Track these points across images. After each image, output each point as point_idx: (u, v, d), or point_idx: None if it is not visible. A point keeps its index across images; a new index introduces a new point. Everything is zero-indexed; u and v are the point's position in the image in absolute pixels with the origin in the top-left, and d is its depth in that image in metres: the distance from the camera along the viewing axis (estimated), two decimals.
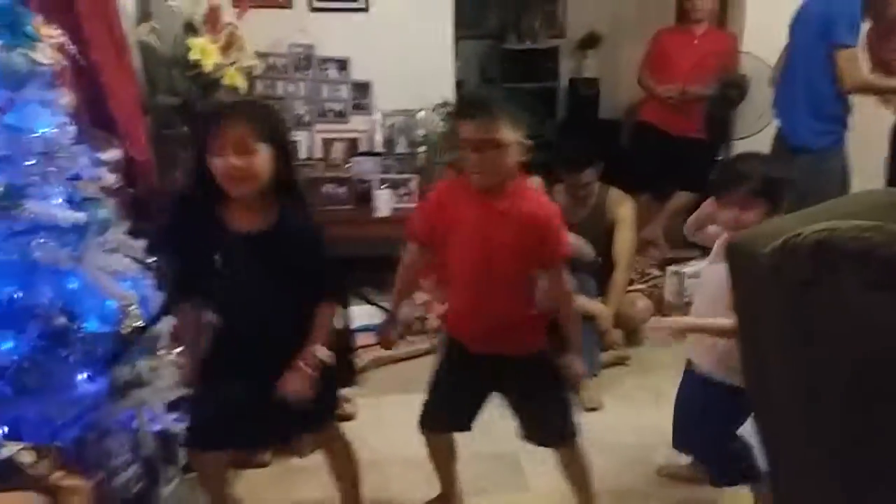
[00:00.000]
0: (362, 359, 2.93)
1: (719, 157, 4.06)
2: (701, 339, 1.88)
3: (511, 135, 1.62)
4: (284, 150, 1.61)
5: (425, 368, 2.92)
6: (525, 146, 1.65)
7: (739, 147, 3.87)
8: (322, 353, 1.64)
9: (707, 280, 1.92)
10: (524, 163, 1.68)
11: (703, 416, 1.92)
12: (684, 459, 2.15)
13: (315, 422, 1.80)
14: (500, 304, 1.73)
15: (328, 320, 1.68)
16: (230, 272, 1.60)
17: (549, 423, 1.84)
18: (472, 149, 1.62)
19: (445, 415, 1.92)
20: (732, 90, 3.64)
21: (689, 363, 1.96)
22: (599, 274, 2.87)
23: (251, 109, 1.64)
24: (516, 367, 1.79)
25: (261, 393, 1.61)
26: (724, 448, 1.91)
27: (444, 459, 2.01)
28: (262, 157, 1.55)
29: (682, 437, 2.02)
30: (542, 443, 1.88)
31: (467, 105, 1.68)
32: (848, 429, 0.94)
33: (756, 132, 3.44)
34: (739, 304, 1.16)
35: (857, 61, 2.89)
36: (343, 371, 1.81)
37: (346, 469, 1.90)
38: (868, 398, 0.91)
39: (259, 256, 1.59)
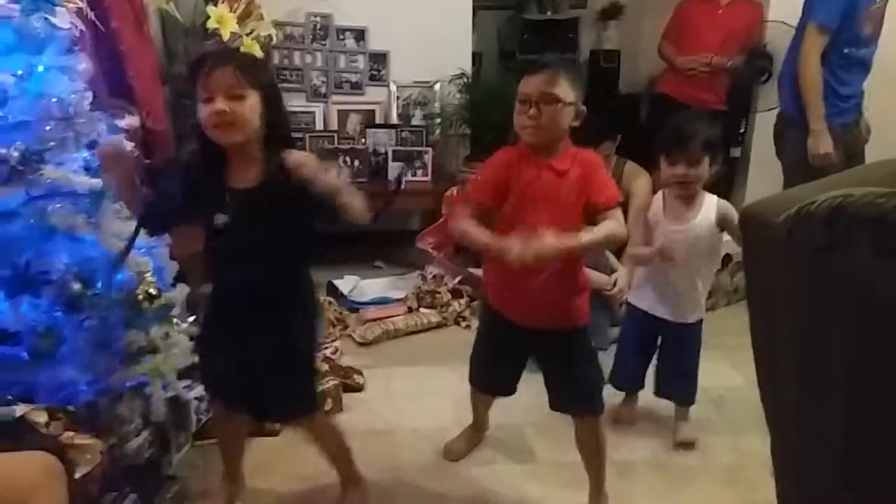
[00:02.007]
0: (373, 331, 2.95)
1: (741, 131, 4.00)
2: (659, 289, 2.17)
3: (569, 94, 1.66)
4: (272, 98, 1.57)
5: (434, 342, 2.98)
6: (580, 111, 1.70)
7: (759, 119, 3.81)
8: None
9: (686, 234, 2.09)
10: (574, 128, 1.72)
11: (675, 349, 2.23)
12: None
13: (292, 411, 1.77)
14: (559, 269, 1.73)
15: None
16: (230, 230, 1.57)
17: (581, 393, 1.87)
18: (530, 103, 1.65)
19: (491, 382, 2.05)
20: (761, 60, 3.56)
21: (635, 308, 2.25)
22: (614, 249, 2.84)
23: (237, 55, 1.62)
24: (558, 339, 1.82)
25: (248, 358, 1.64)
26: (695, 374, 2.23)
27: (482, 404, 2.17)
28: (251, 104, 1.51)
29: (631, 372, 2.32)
30: (570, 411, 1.90)
31: (531, 63, 1.72)
32: (855, 394, 0.93)
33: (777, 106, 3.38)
34: (751, 273, 1.14)
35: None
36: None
37: (332, 452, 1.89)
38: (876, 366, 0.89)
39: (254, 211, 1.56)
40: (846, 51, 2.92)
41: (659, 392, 2.32)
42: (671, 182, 2.08)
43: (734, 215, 2.05)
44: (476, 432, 2.23)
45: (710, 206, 2.09)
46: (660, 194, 2.18)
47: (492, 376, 2.02)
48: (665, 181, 2.11)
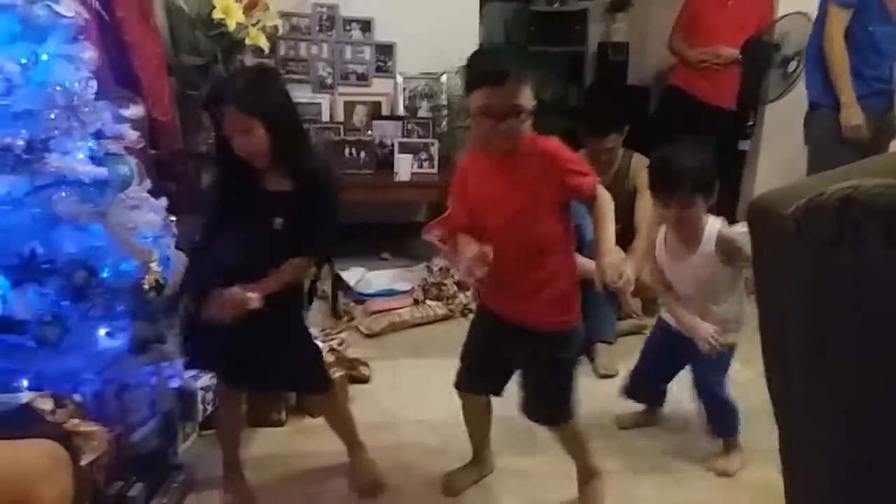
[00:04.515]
0: (379, 322, 2.95)
1: (750, 124, 3.98)
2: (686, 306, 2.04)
3: (531, 99, 1.55)
4: (276, 120, 1.63)
5: (440, 333, 2.97)
6: (535, 108, 1.57)
7: (769, 111, 3.78)
8: (255, 298, 1.61)
9: (686, 272, 2.01)
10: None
11: (701, 372, 2.09)
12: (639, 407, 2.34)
13: (295, 382, 1.96)
14: (538, 261, 1.66)
15: (296, 271, 1.73)
16: (253, 222, 1.68)
17: (546, 405, 1.81)
18: (492, 117, 1.53)
19: (476, 378, 1.89)
20: (770, 51, 3.52)
21: (664, 322, 2.15)
22: (620, 241, 2.82)
23: (236, 90, 1.62)
24: (535, 342, 1.72)
25: (247, 334, 1.67)
26: (723, 397, 2.07)
27: (477, 423, 1.99)
28: (258, 134, 1.61)
29: (646, 384, 2.27)
30: (535, 420, 1.85)
31: (486, 71, 1.55)
32: (863, 388, 0.92)
33: (783, 91, 3.36)
34: (760, 266, 1.13)
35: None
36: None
37: (339, 425, 2.00)
38: (885, 358, 0.88)
39: (279, 212, 1.69)
40: (871, 28, 2.89)
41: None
42: (666, 220, 1.99)
43: (736, 243, 1.89)
44: (477, 467, 2.04)
45: (709, 240, 1.94)
46: (662, 231, 2.06)
47: (478, 371, 1.87)
48: (660, 218, 2.03)
